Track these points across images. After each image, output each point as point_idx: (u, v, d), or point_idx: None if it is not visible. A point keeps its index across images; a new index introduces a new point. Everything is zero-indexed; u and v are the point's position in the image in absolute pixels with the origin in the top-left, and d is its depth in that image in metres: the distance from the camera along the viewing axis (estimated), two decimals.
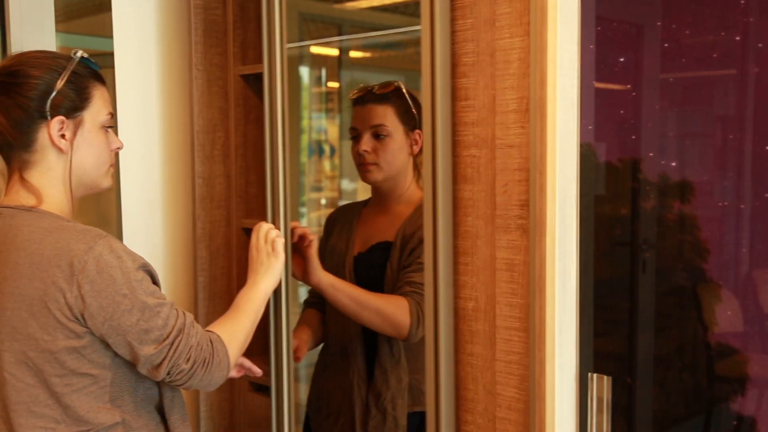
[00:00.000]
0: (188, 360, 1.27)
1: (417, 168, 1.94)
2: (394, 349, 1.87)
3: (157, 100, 1.97)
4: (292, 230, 1.69)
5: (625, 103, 1.38)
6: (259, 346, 1.74)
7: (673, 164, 1.53)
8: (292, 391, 1.68)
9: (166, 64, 2.01)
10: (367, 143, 1.81)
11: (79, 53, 1.34)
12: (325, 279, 1.73)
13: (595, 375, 1.26)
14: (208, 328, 1.39)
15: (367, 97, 1.85)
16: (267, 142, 1.61)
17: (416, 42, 1.39)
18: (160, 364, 1.25)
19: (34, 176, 1.31)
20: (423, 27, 1.37)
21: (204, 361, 1.29)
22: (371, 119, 1.81)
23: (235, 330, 1.41)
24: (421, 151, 1.89)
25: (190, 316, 1.32)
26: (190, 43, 1.90)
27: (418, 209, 1.92)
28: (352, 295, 1.74)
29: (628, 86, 1.52)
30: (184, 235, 2.05)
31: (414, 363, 1.90)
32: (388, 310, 1.74)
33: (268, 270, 1.56)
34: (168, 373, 1.27)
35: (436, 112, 1.37)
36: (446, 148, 1.39)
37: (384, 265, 1.84)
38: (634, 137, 1.53)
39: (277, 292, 1.63)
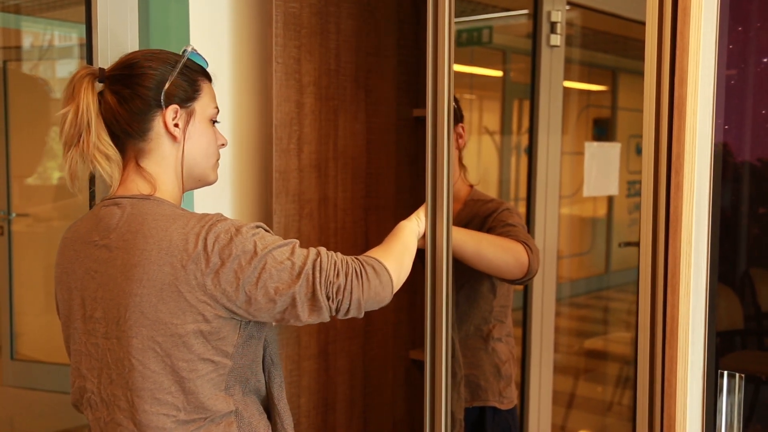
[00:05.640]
0: (338, 275, 1.28)
1: (462, 162, 1.92)
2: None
3: (233, 95, 1.95)
4: None
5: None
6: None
7: None
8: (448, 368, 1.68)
9: (242, 58, 1.99)
10: None
11: (189, 48, 1.40)
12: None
13: (726, 372, 1.27)
14: None
15: None
16: (429, 126, 1.60)
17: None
18: (314, 292, 1.26)
19: (150, 164, 1.35)
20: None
21: (356, 272, 1.30)
22: None
23: (384, 252, 1.42)
24: (465, 145, 1.86)
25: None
26: (270, 36, 1.88)
27: (467, 206, 1.90)
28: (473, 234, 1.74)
29: None
30: None
31: (471, 358, 1.88)
32: (506, 242, 1.74)
33: (413, 217, 1.62)
34: (328, 297, 1.27)
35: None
36: None
37: None
38: None
39: (432, 280, 1.64)
